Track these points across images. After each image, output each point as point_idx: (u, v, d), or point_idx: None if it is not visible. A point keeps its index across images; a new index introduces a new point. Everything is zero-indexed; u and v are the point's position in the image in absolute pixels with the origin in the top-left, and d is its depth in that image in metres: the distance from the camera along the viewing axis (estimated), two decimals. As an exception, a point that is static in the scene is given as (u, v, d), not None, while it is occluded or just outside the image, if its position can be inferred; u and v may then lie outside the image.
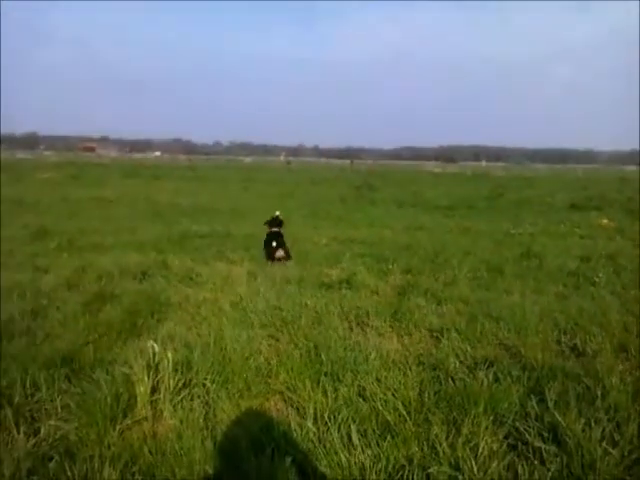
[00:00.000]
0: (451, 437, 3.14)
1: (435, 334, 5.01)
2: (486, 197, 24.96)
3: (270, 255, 8.95)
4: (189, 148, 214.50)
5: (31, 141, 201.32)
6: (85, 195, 21.43)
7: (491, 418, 3.32)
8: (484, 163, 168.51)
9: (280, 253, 9.05)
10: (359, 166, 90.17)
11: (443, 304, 5.99)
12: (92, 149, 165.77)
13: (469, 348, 4.52)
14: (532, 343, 4.68)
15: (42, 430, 3.30)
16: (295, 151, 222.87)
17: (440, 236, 12.14)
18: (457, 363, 4.22)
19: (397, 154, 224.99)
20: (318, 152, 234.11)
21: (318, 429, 3.26)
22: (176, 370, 3.69)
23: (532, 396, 3.61)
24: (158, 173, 44.67)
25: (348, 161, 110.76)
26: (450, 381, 3.89)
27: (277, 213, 9.81)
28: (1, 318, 5.17)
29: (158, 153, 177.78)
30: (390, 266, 8.07)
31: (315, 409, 3.46)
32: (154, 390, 3.52)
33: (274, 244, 9.15)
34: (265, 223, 9.64)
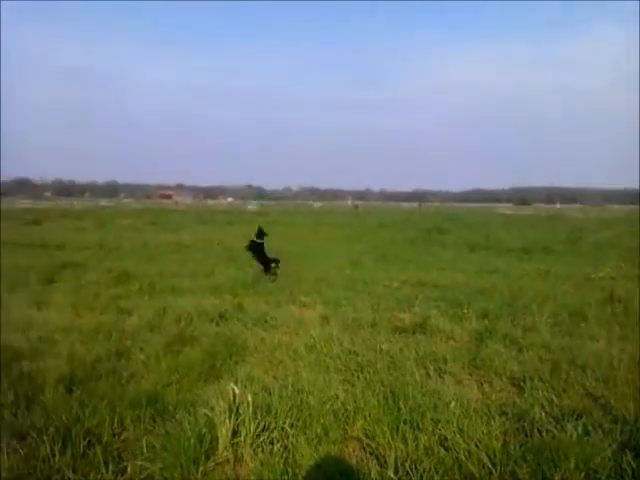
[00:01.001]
0: (541, 492, 3.00)
1: (517, 382, 4.84)
2: (563, 239, 24.08)
3: (267, 268, 10.55)
4: (260, 194, 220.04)
5: (112, 189, 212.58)
6: (163, 240, 22.28)
7: (583, 474, 3.15)
8: (558, 205, 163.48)
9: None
10: (427, 209, 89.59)
11: (524, 351, 5.80)
12: (169, 196, 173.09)
13: (554, 398, 4.34)
14: (622, 393, 4.44)
15: (129, 469, 3.41)
16: (362, 195, 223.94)
17: (516, 280, 11.79)
18: (543, 414, 4.05)
19: (466, 196, 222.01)
20: (385, 195, 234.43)
21: (399, 479, 3.19)
22: (255, 413, 3.73)
23: (627, 451, 3.40)
24: (230, 219, 45.97)
25: (416, 204, 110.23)
26: (536, 432, 3.74)
27: (259, 226, 12.03)
28: (89, 359, 5.41)
29: (230, 199, 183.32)
30: (465, 310, 7.92)
31: (395, 458, 3.41)
32: (235, 432, 3.57)
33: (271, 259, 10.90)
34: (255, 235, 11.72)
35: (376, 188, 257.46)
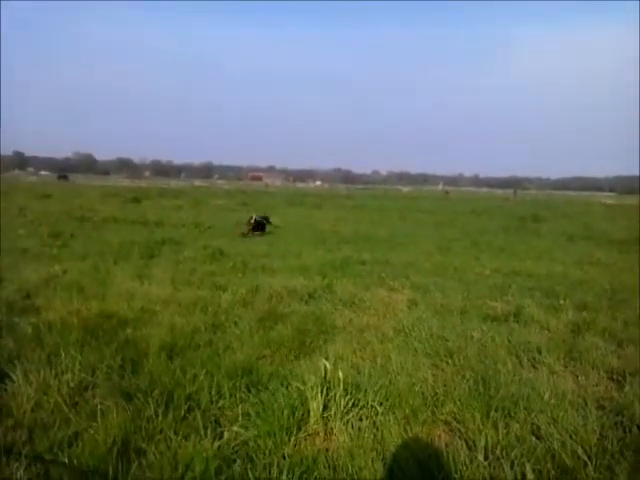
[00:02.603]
0: (641, 490, 2.87)
1: (615, 377, 4.63)
2: (671, 232, 22.43)
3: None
4: (349, 177, 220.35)
5: (206, 170, 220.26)
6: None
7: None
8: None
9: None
10: (523, 196, 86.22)
11: (624, 345, 5.51)
12: (259, 178, 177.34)
13: (658, 396, 4.10)
14: None
15: (225, 435, 3.59)
16: (454, 180, 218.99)
17: (618, 273, 11.16)
18: (644, 410, 3.85)
19: (565, 184, 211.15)
20: (478, 181, 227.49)
21: (489, 464, 3.16)
22: (346, 390, 3.81)
23: None
24: (319, 202, 46.43)
25: (510, 191, 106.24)
26: (635, 429, 3.56)
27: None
28: (188, 330, 5.70)
29: (319, 182, 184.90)
30: (562, 302, 7.62)
31: (485, 443, 3.37)
32: (325, 407, 3.66)
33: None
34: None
35: (469, 173, 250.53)
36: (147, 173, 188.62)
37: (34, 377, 4.22)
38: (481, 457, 3.22)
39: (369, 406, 3.79)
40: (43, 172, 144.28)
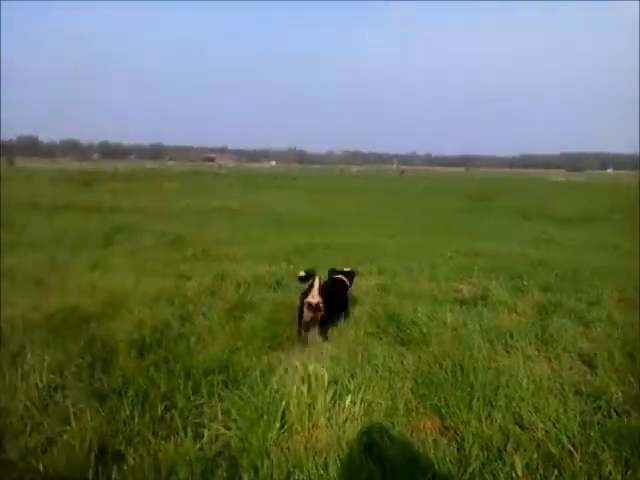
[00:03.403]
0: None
1: (587, 360, 4.73)
2: (620, 209, 23.22)
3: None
4: (303, 157, 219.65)
5: (157, 151, 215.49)
6: (212, 205, 22.53)
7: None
8: (610, 170, 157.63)
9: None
10: (474, 174, 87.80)
11: (591, 327, 5.66)
12: (212, 159, 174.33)
13: (631, 378, 4.21)
14: None
15: (205, 434, 3.49)
16: (407, 159, 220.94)
17: (575, 251, 11.49)
18: (619, 394, 3.94)
19: (514, 162, 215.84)
20: (430, 160, 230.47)
21: (477, 456, 3.17)
22: (327, 383, 3.76)
23: None
24: (276, 183, 46.16)
25: (462, 169, 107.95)
26: (614, 414, 3.64)
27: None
28: (156, 323, 5.53)
29: (273, 163, 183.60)
30: (525, 283, 7.77)
31: (471, 434, 3.38)
32: (307, 402, 3.61)
33: None
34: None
35: (421, 152, 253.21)
36: (95, 155, 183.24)
37: (-1, 379, 4.02)
38: (467, 448, 3.23)
39: (352, 400, 3.75)
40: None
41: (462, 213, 22.30)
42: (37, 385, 4.02)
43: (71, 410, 3.71)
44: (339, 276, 6.29)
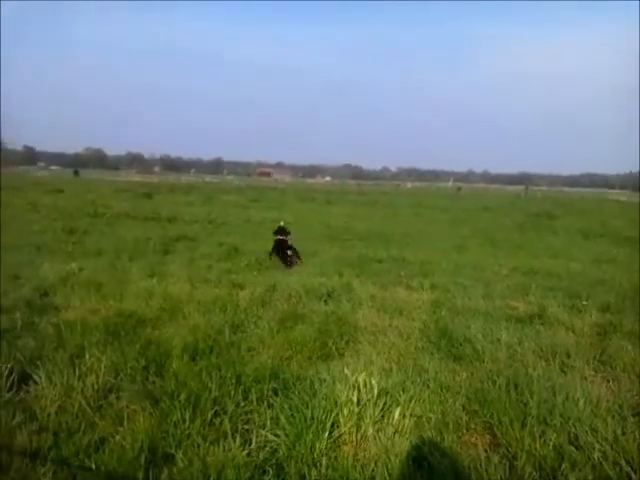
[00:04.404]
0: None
1: (649, 382, 4.49)
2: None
3: (285, 262, 11.16)
4: (358, 173, 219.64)
5: (216, 166, 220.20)
6: (266, 217, 22.80)
7: None
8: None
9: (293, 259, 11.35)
10: (534, 193, 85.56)
11: (654, 349, 5.37)
12: (268, 174, 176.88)
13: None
14: None
15: (254, 441, 3.50)
16: (464, 177, 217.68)
17: (636, 271, 10.98)
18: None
19: (575, 181, 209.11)
20: (488, 178, 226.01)
21: (530, 474, 3.06)
22: (377, 395, 3.71)
23: None
24: (330, 197, 46.31)
25: (521, 187, 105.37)
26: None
27: (282, 223, 12.58)
28: (209, 330, 5.60)
29: (328, 178, 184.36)
30: (584, 302, 7.49)
31: (523, 452, 3.26)
32: (357, 413, 3.57)
33: (289, 252, 11.47)
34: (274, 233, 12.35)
35: (479, 170, 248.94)
36: (157, 168, 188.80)
37: (57, 379, 4.15)
38: (520, 466, 3.12)
39: (402, 412, 3.68)
40: (53, 167, 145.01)
41: (520, 231, 21.76)
42: (93, 386, 4.14)
43: (125, 411, 3.81)
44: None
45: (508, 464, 3.22)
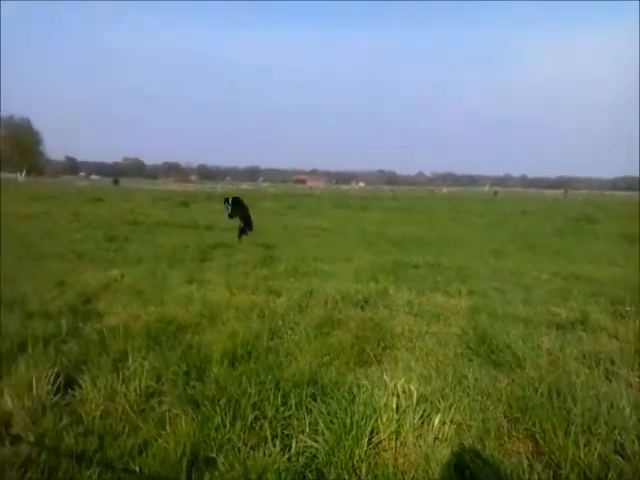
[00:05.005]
0: None
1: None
2: None
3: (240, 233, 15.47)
4: (392, 179, 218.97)
5: (252, 174, 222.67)
6: (302, 224, 22.95)
7: None
8: None
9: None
10: (574, 196, 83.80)
11: None
12: (303, 181, 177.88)
13: None
14: None
15: (293, 446, 3.53)
16: (501, 181, 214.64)
17: (685, 277, 10.63)
18: None
19: (615, 184, 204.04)
20: (526, 182, 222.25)
21: (574, 484, 3.00)
22: (417, 402, 3.70)
23: None
24: (364, 203, 46.25)
25: (560, 191, 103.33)
26: None
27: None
28: (247, 336, 5.66)
29: (362, 184, 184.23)
30: (628, 308, 7.29)
31: (567, 460, 3.20)
32: (396, 420, 3.56)
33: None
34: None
35: (516, 174, 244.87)
36: (194, 177, 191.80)
37: (101, 383, 4.26)
38: (564, 475, 3.06)
39: (442, 419, 3.66)
40: (94, 176, 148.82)
41: (559, 236, 21.32)
42: (136, 390, 4.23)
43: (167, 415, 3.89)
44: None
45: (552, 473, 3.17)
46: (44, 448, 3.47)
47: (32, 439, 3.60)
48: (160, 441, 3.57)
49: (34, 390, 4.11)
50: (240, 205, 16.73)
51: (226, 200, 16.96)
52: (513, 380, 4.54)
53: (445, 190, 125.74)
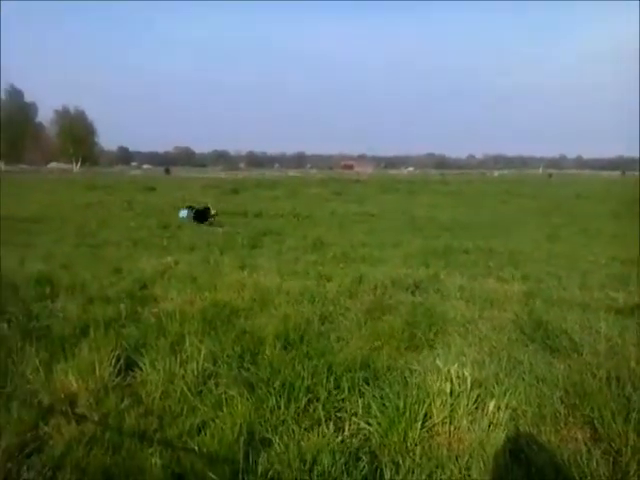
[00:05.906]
0: None
1: None
2: None
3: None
4: (442, 162, 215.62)
5: (299, 160, 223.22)
6: (350, 210, 22.95)
7: None
8: None
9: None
10: (633, 177, 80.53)
11: None
12: (351, 167, 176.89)
13: None
14: None
15: (347, 428, 3.58)
16: (555, 162, 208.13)
17: None
18: None
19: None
20: (581, 163, 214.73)
21: (635, 471, 2.93)
22: (471, 387, 3.67)
23: None
24: (413, 188, 45.78)
25: (618, 172, 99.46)
26: None
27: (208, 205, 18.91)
28: (299, 320, 5.73)
29: (411, 168, 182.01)
30: (691, 293, 7.01)
31: (627, 447, 3.13)
32: (450, 404, 3.55)
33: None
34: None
35: (571, 155, 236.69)
36: (242, 164, 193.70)
37: (160, 365, 4.40)
38: (624, 462, 3.00)
39: (496, 404, 3.63)
40: (145, 166, 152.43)
41: (617, 219, 20.61)
42: (193, 372, 4.36)
43: (223, 397, 3.99)
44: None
45: (611, 459, 3.10)
46: (108, 427, 3.63)
47: (96, 418, 3.77)
48: (217, 421, 3.67)
49: (97, 372, 4.28)
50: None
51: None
52: (570, 366, 4.45)
53: (497, 173, 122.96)
